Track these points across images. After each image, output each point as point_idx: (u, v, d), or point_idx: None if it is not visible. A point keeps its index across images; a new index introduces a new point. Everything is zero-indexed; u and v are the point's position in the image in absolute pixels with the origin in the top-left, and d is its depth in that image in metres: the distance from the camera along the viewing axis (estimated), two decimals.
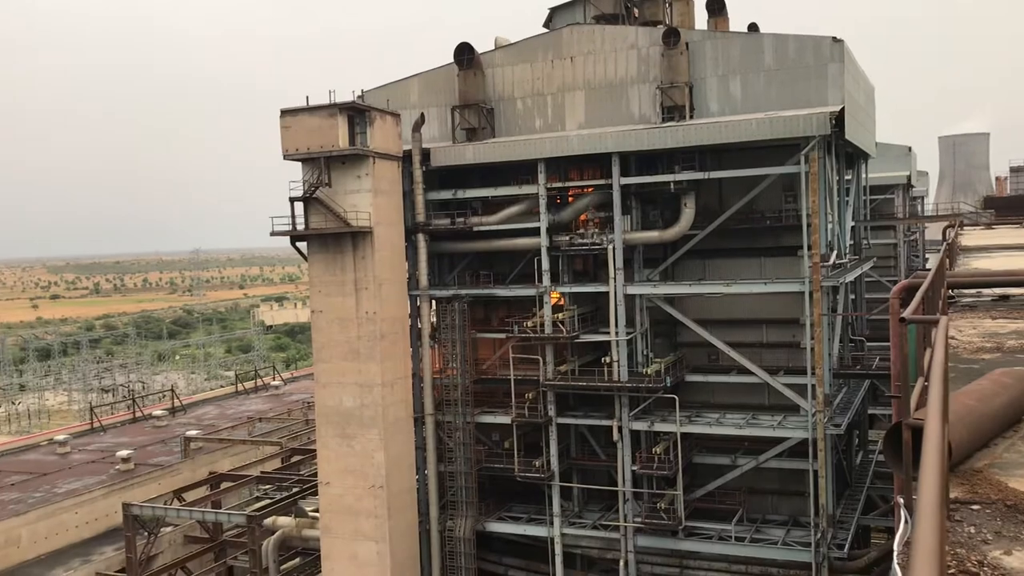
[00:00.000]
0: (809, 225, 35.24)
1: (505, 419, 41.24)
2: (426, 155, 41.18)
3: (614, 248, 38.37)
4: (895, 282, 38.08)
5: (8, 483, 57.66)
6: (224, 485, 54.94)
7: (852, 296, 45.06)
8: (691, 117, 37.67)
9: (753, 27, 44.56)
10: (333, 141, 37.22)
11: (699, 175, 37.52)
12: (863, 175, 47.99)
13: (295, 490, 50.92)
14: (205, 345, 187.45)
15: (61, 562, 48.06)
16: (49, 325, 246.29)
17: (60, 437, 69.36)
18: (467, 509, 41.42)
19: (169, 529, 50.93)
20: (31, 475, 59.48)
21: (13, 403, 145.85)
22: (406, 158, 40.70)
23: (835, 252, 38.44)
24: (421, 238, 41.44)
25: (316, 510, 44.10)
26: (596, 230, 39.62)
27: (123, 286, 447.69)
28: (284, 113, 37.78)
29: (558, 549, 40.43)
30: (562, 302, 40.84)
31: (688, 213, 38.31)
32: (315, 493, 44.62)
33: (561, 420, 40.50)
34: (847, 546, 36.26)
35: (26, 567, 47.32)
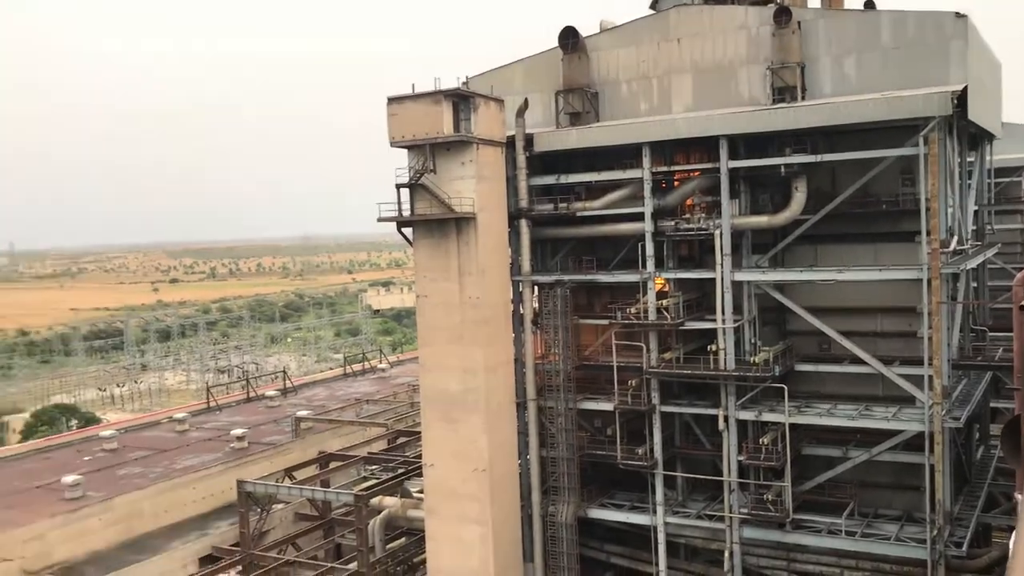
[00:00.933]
0: (928, 210, 33.74)
1: (608, 406, 40.98)
2: (529, 140, 41.09)
3: (721, 233, 37.56)
4: (1022, 269, 36.10)
5: (131, 458, 60.68)
6: (333, 465, 56.41)
7: (974, 284, 42.97)
8: (803, 98, 36.48)
9: (870, 4, 42.84)
10: (438, 128, 37.47)
11: (811, 158, 36.33)
12: (987, 157, 45.62)
13: (401, 471, 51.85)
14: (315, 328, 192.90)
15: (179, 535, 50.25)
16: (169, 308, 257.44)
17: (179, 415, 72.54)
18: (569, 495, 41.38)
19: (280, 506, 52.59)
20: (152, 451, 62.43)
21: (136, 382, 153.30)
22: (509, 144, 40.70)
23: (955, 238, 36.70)
24: (524, 224, 41.42)
25: (421, 491, 44.83)
26: (703, 215, 38.84)
27: (238, 270, 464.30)
28: (391, 100, 38.21)
29: (661, 538, 40.02)
30: (667, 288, 40.26)
31: (799, 197, 37.16)
32: (420, 475, 45.36)
33: (665, 408, 39.99)
34: (966, 544, 34.73)
35: (148, 538, 49.66)
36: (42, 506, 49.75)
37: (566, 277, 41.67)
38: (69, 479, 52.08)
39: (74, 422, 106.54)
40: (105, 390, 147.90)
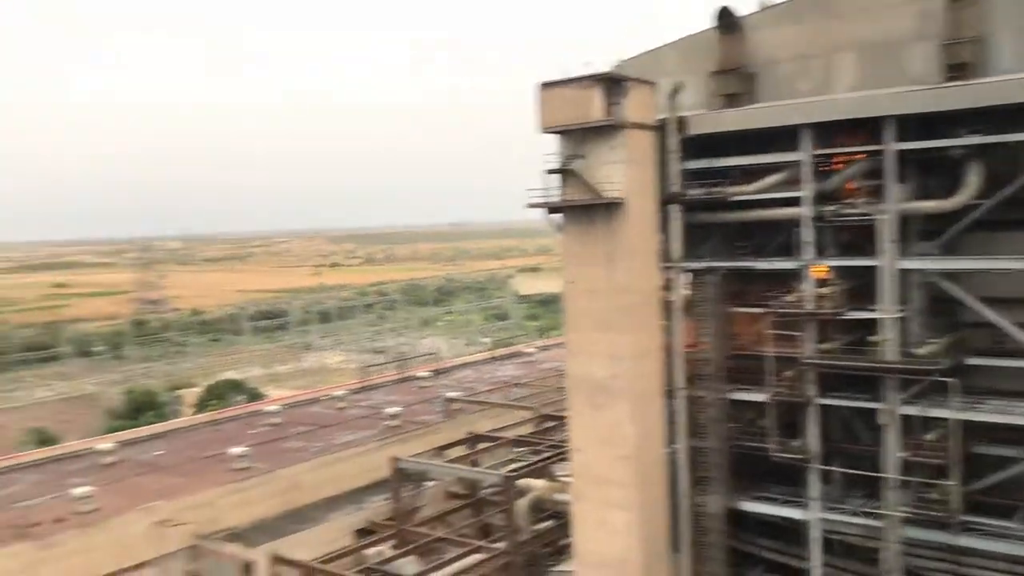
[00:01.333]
0: None
1: (761, 397, 39.84)
2: (682, 123, 40.26)
3: (886, 219, 35.74)
4: None
5: (294, 433, 63.71)
6: (481, 445, 57.42)
7: None
8: (979, 75, 34.15)
9: None
10: (588, 112, 37.23)
11: (988, 139, 33.99)
12: None
13: (547, 455, 52.21)
14: (465, 312, 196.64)
15: (337, 507, 52.36)
16: (329, 291, 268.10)
17: (338, 393, 75.58)
18: (718, 486, 40.55)
19: (431, 484, 53.95)
20: (313, 427, 65.35)
21: (299, 361, 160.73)
22: (661, 127, 40.04)
23: None
24: (675, 209, 40.68)
25: (567, 475, 45.01)
26: (866, 199, 37.06)
27: (394, 256, 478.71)
28: (542, 86, 38.25)
29: (816, 534, 38.67)
30: (826, 276, 38.67)
31: (973, 181, 34.85)
32: (566, 459, 45.55)
33: (823, 401, 38.50)
34: None
35: (308, 510, 51.97)
36: (212, 475, 52.99)
37: (719, 264, 40.71)
38: (236, 451, 55.21)
39: (241, 397, 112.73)
40: (270, 367, 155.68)
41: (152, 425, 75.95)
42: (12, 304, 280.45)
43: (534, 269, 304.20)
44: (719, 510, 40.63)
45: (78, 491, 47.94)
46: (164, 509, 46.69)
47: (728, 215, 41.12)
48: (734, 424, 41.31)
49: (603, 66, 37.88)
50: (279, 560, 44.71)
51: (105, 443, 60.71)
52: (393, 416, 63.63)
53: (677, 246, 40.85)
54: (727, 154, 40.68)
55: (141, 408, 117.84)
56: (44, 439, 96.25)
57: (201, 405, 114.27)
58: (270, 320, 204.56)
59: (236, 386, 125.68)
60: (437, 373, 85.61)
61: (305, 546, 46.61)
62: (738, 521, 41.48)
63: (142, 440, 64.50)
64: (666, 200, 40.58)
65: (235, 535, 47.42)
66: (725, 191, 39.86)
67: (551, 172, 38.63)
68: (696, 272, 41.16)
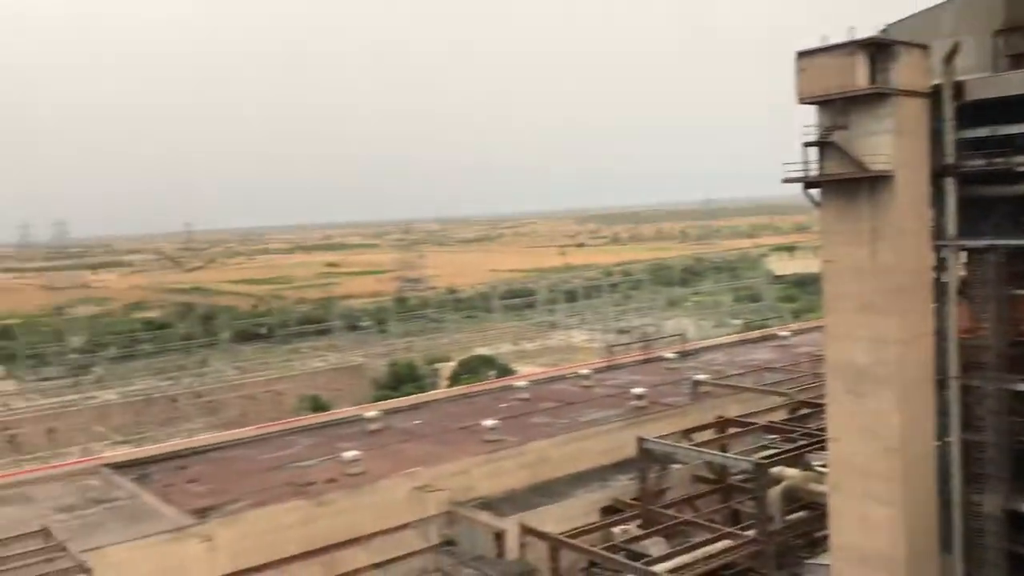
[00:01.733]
0: None
1: None
2: (959, 88, 36.79)
3: None
4: None
5: (540, 408, 65.20)
6: (730, 430, 55.95)
7: None
8: None
9: None
10: (851, 81, 34.91)
11: None
12: None
13: (802, 443, 50.03)
14: (714, 293, 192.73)
15: (582, 484, 52.95)
16: (575, 271, 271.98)
17: (583, 371, 76.37)
18: (997, 484, 36.99)
19: (678, 466, 53.29)
20: (559, 403, 66.54)
21: (545, 338, 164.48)
22: (934, 94, 36.81)
23: None
24: (950, 182, 37.31)
25: (823, 465, 42.90)
26: None
27: (638, 235, 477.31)
28: (801, 55, 36.33)
29: None
30: None
31: None
32: (822, 448, 43.38)
33: None
34: None
35: (554, 484, 52.96)
36: (466, 445, 55.34)
37: (1002, 242, 36.90)
38: (488, 423, 57.28)
39: (492, 372, 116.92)
40: (518, 344, 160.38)
41: (412, 396, 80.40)
42: (290, 282, 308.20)
43: (789, 248, 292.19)
44: (997, 511, 37.10)
45: (347, 455, 51.69)
46: (423, 475, 49.28)
47: (1013, 188, 37.17)
48: (1016, 418, 37.51)
49: (867, 31, 35.42)
50: (529, 531, 45.93)
51: (371, 411, 64.98)
52: (639, 396, 63.42)
53: (952, 223, 37.50)
54: (1013, 121, 36.69)
55: (402, 380, 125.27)
56: (318, 406, 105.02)
57: (455, 378, 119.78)
58: (519, 299, 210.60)
59: (488, 361, 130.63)
60: (684, 355, 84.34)
61: (553, 519, 47.54)
62: (1020, 524, 37.71)
63: (403, 409, 68.44)
64: (939, 172, 37.33)
65: (487, 504, 49.18)
66: (1011, 161, 36.05)
67: (809, 145, 36.70)
68: (974, 251, 37.59)
